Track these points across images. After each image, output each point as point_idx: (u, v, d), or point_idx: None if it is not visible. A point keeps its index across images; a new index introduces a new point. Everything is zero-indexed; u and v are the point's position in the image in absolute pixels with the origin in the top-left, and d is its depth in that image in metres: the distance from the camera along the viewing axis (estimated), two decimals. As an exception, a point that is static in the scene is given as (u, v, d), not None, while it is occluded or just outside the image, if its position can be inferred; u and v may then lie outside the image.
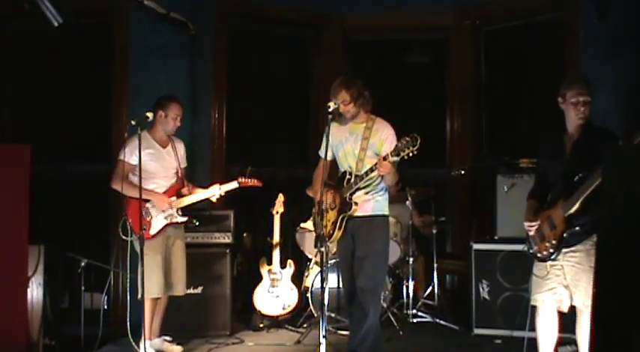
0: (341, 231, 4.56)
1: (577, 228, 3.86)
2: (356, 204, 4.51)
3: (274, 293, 6.03)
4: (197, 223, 5.63)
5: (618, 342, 2.70)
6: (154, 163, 5.03)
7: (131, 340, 4.85)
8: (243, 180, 5.24)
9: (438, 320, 6.03)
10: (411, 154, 4.11)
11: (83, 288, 5.30)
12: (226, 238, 5.87)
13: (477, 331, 5.67)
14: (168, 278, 5.09)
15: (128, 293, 4.97)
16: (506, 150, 6.45)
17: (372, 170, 4.36)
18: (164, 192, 5.10)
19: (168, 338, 5.26)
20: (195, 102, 6.54)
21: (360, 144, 4.56)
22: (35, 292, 5.18)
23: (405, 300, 6.18)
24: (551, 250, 3.96)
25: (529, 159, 5.71)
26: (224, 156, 6.73)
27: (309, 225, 6.19)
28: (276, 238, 6.09)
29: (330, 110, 4.39)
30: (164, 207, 5.02)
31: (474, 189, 7.02)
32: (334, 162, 4.77)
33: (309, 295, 5.91)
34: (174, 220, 5.08)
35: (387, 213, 4.68)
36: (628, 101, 5.79)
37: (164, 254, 5.06)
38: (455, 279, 7.11)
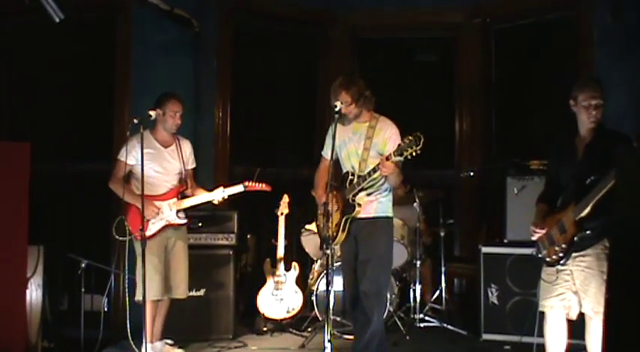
0: (344, 234, 4.54)
1: (588, 232, 3.84)
2: (359, 205, 4.49)
3: (278, 296, 6.01)
4: (200, 224, 5.64)
5: (632, 350, 2.68)
6: (151, 163, 4.99)
7: (132, 343, 4.86)
8: (250, 184, 5.17)
9: (445, 325, 6.01)
10: (414, 154, 4.07)
11: (83, 290, 5.29)
12: (230, 240, 5.86)
13: (486, 336, 5.65)
14: (168, 281, 5.07)
15: (127, 295, 4.96)
16: (516, 151, 6.42)
17: (374, 170, 4.34)
18: (164, 193, 5.08)
19: (169, 341, 5.25)
20: (199, 101, 6.54)
21: (364, 144, 4.54)
22: (34, 293, 5.19)
23: (411, 304, 6.16)
24: (561, 254, 3.94)
25: (540, 161, 5.68)
26: (228, 156, 6.73)
27: (314, 226, 6.16)
28: (281, 240, 6.08)
29: (336, 110, 4.38)
30: (150, 216, 4.93)
31: (483, 191, 6.99)
32: (337, 163, 4.74)
33: (313, 298, 5.90)
34: (173, 222, 5.06)
35: (390, 214, 4.66)
36: (643, 102, 5.76)
37: (162, 255, 5.04)
38: (463, 283, 7.08)
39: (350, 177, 4.56)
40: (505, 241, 5.75)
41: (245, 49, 7.02)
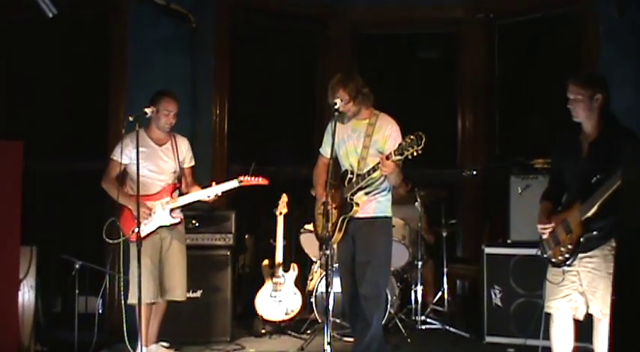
0: (341, 233, 4.52)
1: (594, 233, 3.82)
2: (357, 204, 4.47)
3: (277, 297, 6.00)
4: (196, 224, 5.61)
5: (639, 352, 2.67)
6: (145, 162, 4.95)
7: (127, 346, 4.83)
8: (246, 178, 5.11)
9: (447, 327, 6.00)
10: (415, 154, 4.06)
11: (77, 291, 5.26)
12: (227, 240, 5.83)
13: (489, 339, 5.64)
14: (164, 283, 5.04)
15: (122, 297, 4.94)
16: (520, 149, 6.42)
17: (374, 169, 4.32)
18: (157, 192, 5.04)
19: (165, 344, 5.23)
20: (196, 99, 6.52)
21: (363, 142, 4.53)
22: (27, 295, 5.17)
23: (413, 306, 6.16)
24: (567, 255, 3.91)
25: (544, 160, 5.68)
26: (225, 155, 6.71)
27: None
28: (280, 240, 6.07)
29: (335, 107, 4.37)
30: (141, 217, 4.82)
31: (486, 191, 6.98)
32: (337, 161, 4.72)
33: (313, 300, 5.88)
34: (165, 223, 5.02)
35: (389, 214, 4.65)
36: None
37: (157, 257, 5.01)
38: (466, 285, 7.07)
39: (349, 175, 4.54)
40: (509, 241, 5.73)
41: (243, 45, 7.01)
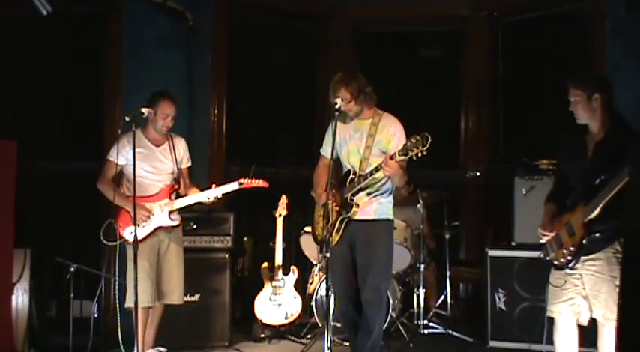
0: (338, 235, 4.49)
1: (597, 235, 3.81)
2: (357, 205, 4.45)
3: (276, 301, 6.00)
4: (194, 226, 5.61)
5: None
6: (142, 163, 4.95)
7: (123, 350, 4.83)
8: (246, 181, 5.11)
9: (450, 332, 6.00)
10: (420, 154, 4.04)
11: (72, 295, 5.25)
12: (226, 242, 5.83)
13: (493, 343, 5.64)
14: (161, 286, 5.04)
15: (118, 301, 4.94)
16: (524, 150, 6.40)
17: (377, 169, 4.30)
18: (156, 194, 5.05)
19: (162, 349, 5.22)
20: (193, 98, 6.52)
21: (365, 142, 4.51)
22: (20, 299, 5.18)
23: (415, 310, 6.15)
24: (569, 258, 3.91)
25: (549, 160, 5.68)
26: (223, 155, 6.71)
27: (312, 228, 6.17)
28: (279, 242, 6.06)
29: (336, 107, 4.36)
30: (140, 220, 4.86)
31: (490, 192, 6.97)
32: (338, 161, 4.70)
33: (313, 303, 5.88)
34: (164, 225, 5.02)
35: (391, 217, 4.62)
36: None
37: (154, 260, 5.01)
38: (469, 288, 7.07)
39: (351, 176, 4.52)
40: (513, 244, 5.73)
41: (241, 43, 7.01)
